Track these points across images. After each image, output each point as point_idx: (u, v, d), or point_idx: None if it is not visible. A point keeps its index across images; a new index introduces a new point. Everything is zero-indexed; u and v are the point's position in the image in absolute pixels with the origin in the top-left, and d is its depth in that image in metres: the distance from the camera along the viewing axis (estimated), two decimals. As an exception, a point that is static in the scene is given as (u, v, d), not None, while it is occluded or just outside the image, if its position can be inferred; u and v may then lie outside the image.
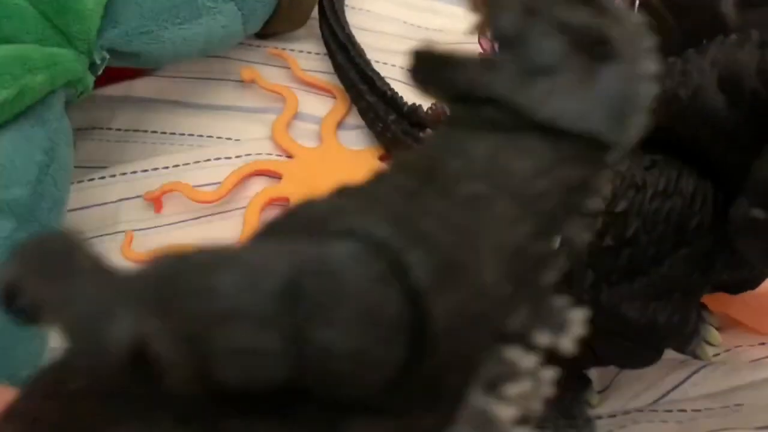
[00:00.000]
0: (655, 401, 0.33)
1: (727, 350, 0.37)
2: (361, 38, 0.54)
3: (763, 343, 0.37)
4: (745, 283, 0.33)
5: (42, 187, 0.31)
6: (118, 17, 0.36)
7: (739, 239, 0.25)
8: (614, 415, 0.34)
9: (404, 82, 0.51)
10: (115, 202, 0.42)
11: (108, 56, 0.37)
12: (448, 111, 0.37)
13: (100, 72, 0.37)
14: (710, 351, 0.36)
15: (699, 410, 0.33)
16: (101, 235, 0.41)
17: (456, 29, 0.58)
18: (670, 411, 0.33)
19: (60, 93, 0.34)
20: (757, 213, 0.24)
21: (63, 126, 0.34)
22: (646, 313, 0.28)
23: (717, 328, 0.37)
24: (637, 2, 0.28)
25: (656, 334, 0.28)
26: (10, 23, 0.33)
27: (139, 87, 0.48)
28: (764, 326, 0.37)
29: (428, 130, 0.41)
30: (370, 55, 0.52)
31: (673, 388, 0.34)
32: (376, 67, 0.51)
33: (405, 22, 0.58)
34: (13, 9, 0.33)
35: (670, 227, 0.27)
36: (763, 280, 0.33)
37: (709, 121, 0.26)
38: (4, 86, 0.31)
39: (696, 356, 0.36)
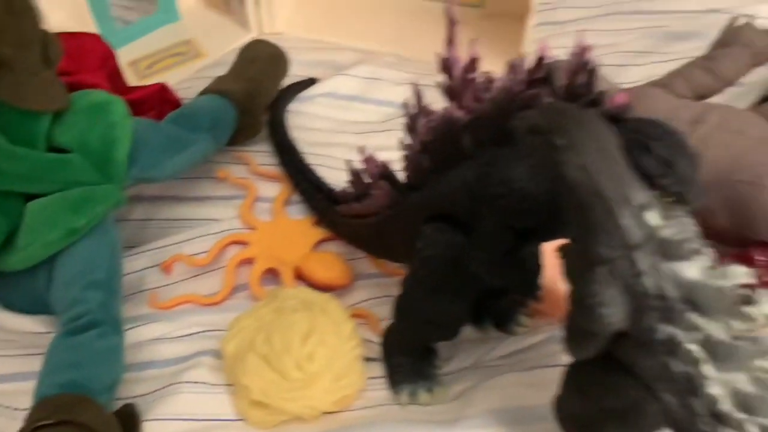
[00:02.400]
0: (474, 363, 0.56)
1: (531, 329, 0.59)
2: (299, 135, 0.77)
3: (551, 324, 0.59)
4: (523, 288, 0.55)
5: (113, 268, 0.54)
6: (137, 160, 0.59)
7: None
8: (451, 373, 0.56)
9: (329, 167, 0.74)
10: (140, 270, 0.65)
11: (134, 182, 0.59)
12: (350, 191, 0.60)
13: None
14: (520, 330, 0.59)
15: (499, 366, 0.55)
16: (133, 293, 0.63)
17: (370, 120, 0.81)
18: (483, 369, 0.55)
19: (110, 210, 0.57)
20: (478, 255, 0.46)
21: (115, 229, 0.57)
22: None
23: (528, 316, 0.60)
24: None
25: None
26: (73, 174, 0.56)
27: (147, 188, 0.71)
28: (554, 312, 0.59)
29: (341, 206, 0.63)
30: (307, 149, 0.75)
31: (485, 353, 0.56)
32: (311, 157, 0.74)
33: (331, 119, 0.81)
34: (76, 165, 0.56)
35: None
36: (533, 285, 0.55)
37: (459, 207, 0.48)
38: (81, 216, 0.53)
39: (511, 333, 0.59)
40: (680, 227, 0.35)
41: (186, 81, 0.84)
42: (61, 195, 0.56)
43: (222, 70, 0.81)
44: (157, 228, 0.69)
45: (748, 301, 0.33)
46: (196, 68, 0.86)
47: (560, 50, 0.86)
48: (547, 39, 0.87)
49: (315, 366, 0.53)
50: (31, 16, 0.54)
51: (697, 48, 0.76)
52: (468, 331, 0.59)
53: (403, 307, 0.53)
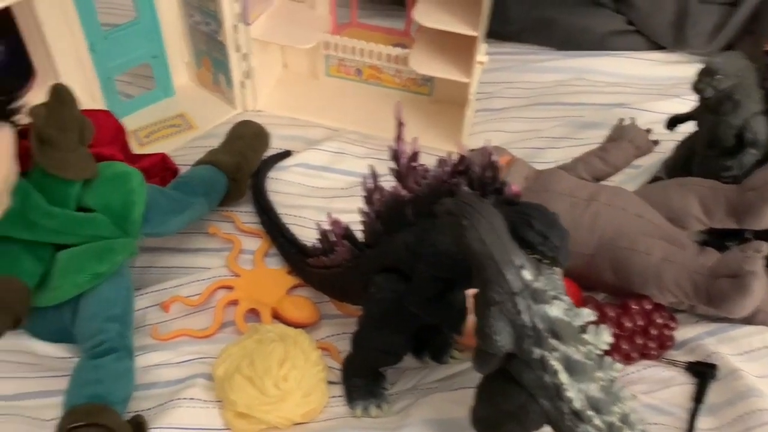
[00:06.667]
0: (414, 385, 0.71)
1: (461, 360, 0.75)
2: (277, 198, 0.93)
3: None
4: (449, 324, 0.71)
5: (128, 306, 0.68)
6: (149, 219, 0.73)
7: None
8: (396, 393, 0.71)
9: (301, 225, 0.89)
10: (143, 309, 0.79)
11: (144, 236, 0.74)
12: (318, 247, 0.76)
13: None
14: (452, 361, 0.75)
15: (433, 387, 0.70)
16: (138, 327, 0.77)
17: (336, 187, 0.97)
18: (421, 389, 0.71)
19: (126, 259, 0.71)
20: (414, 298, 0.62)
21: (129, 273, 0.71)
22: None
23: (459, 350, 0.76)
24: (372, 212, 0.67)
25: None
26: (97, 230, 0.70)
27: (148, 240, 0.85)
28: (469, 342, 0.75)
29: (311, 259, 0.79)
30: (281, 210, 0.90)
31: (423, 378, 0.72)
32: (285, 218, 0.89)
33: (303, 185, 0.97)
34: (101, 222, 0.70)
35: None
36: (458, 323, 0.70)
37: (402, 262, 0.64)
38: (104, 264, 0.68)
39: (444, 363, 0.74)
40: (548, 281, 0.52)
41: (180, 150, 0.99)
42: (86, 246, 0.70)
43: (211, 141, 0.97)
44: (157, 274, 0.83)
45: (584, 331, 0.49)
46: (189, 139, 1.01)
47: (493, 133, 1.06)
48: (484, 123, 1.06)
49: (289, 385, 0.67)
50: (73, 105, 0.69)
51: (604, 135, 0.94)
52: (410, 361, 0.75)
53: (358, 338, 0.69)
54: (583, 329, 0.50)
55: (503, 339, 0.51)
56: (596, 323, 0.52)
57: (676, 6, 1.15)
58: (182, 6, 1.01)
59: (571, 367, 0.51)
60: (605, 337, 0.51)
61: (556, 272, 0.54)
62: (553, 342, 0.50)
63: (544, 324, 0.50)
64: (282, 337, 0.71)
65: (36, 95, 0.86)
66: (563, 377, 0.50)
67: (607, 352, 0.70)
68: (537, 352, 0.51)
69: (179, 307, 0.79)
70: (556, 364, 0.50)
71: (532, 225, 0.54)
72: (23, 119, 0.72)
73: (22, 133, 0.70)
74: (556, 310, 0.50)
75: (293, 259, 0.83)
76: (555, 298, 0.51)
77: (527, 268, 0.51)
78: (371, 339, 0.67)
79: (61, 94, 0.68)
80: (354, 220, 0.72)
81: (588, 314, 0.51)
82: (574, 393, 0.51)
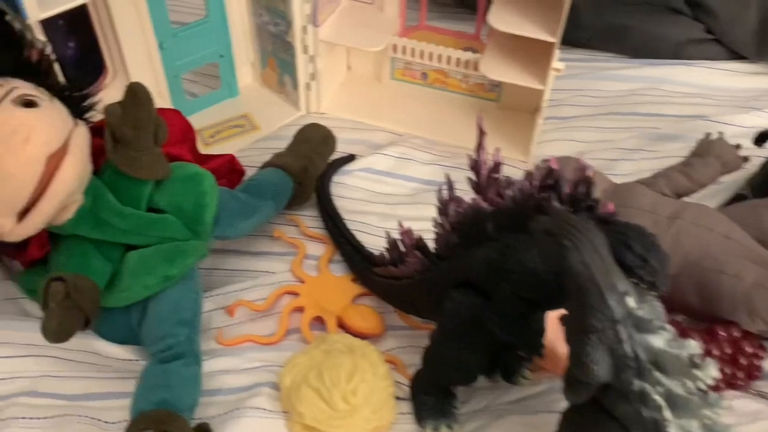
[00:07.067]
0: (486, 405, 0.68)
1: (533, 381, 0.72)
2: (340, 203, 0.91)
3: (549, 378, 0.72)
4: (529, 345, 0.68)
5: (197, 309, 0.67)
6: (219, 222, 0.72)
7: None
8: (467, 413, 0.68)
9: (365, 232, 0.87)
10: (208, 312, 0.77)
11: (214, 239, 0.72)
12: (387, 256, 0.75)
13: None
14: (524, 382, 0.71)
15: (507, 409, 0.67)
16: (203, 331, 0.75)
17: (400, 193, 0.94)
18: (493, 411, 0.68)
19: (198, 262, 0.70)
20: (495, 316, 0.59)
21: (198, 276, 0.70)
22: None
23: (531, 370, 0.72)
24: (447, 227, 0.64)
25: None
26: (168, 231, 0.69)
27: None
28: (552, 368, 0.71)
29: (378, 268, 0.76)
30: (345, 215, 0.88)
31: (495, 398, 0.69)
32: (348, 223, 0.87)
33: (367, 190, 0.94)
34: (172, 224, 0.69)
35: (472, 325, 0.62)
36: (538, 344, 0.67)
37: (480, 277, 0.61)
38: (175, 266, 0.66)
39: (516, 383, 0.71)
40: (651, 309, 0.48)
41: (244, 150, 0.98)
42: (157, 248, 0.69)
43: (275, 143, 0.95)
44: (221, 276, 0.82)
45: (696, 365, 0.46)
46: (253, 139, 1.00)
47: (563, 142, 1.02)
48: (553, 131, 1.02)
49: (357, 399, 0.65)
50: (149, 104, 0.68)
51: (682, 148, 0.90)
52: (481, 380, 0.72)
53: (431, 354, 0.66)
54: (691, 362, 0.46)
55: (601, 369, 0.48)
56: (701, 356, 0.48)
57: (760, 14, 1.10)
58: (251, 5, 1.00)
59: (673, 402, 0.48)
60: (712, 371, 0.47)
61: (656, 299, 0.51)
62: (657, 375, 0.47)
63: (647, 355, 0.47)
64: (350, 348, 0.69)
65: (107, 93, 0.87)
66: (667, 413, 0.47)
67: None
68: (637, 384, 0.48)
69: (243, 312, 0.78)
70: (659, 399, 0.47)
71: (630, 246, 0.50)
72: (96, 117, 0.72)
73: (95, 131, 0.70)
74: (660, 340, 0.47)
75: (358, 267, 0.81)
76: (660, 328, 0.47)
77: (631, 294, 0.47)
78: (444, 356, 0.64)
79: (137, 93, 0.67)
80: (419, 228, 0.70)
81: (695, 346, 0.47)
82: (676, 430, 0.47)
